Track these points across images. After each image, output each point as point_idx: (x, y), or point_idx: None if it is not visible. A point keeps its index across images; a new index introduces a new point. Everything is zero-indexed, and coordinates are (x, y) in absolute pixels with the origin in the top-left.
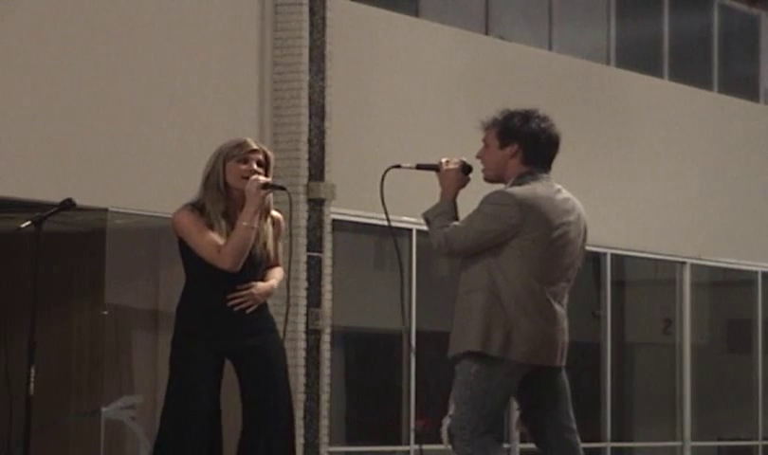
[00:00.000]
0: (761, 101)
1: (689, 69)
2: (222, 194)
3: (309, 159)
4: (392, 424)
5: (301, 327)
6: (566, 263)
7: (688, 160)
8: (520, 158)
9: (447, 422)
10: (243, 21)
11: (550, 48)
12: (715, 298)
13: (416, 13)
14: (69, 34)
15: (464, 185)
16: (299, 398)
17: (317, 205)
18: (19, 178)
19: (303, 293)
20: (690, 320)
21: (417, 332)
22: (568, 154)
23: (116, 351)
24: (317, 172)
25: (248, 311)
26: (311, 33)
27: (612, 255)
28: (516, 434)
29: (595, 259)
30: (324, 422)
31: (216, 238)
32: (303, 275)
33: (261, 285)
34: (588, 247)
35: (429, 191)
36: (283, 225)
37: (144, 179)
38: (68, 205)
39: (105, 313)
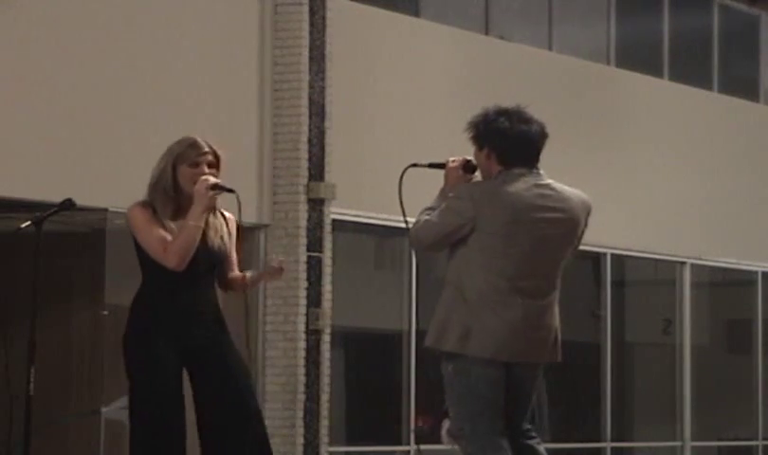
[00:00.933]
0: (761, 101)
1: (689, 69)
2: (170, 198)
3: (309, 159)
4: (392, 424)
5: (301, 327)
6: (543, 258)
7: (688, 160)
8: (494, 159)
9: (446, 424)
10: (243, 21)
11: (550, 48)
12: (715, 298)
13: (416, 13)
14: (69, 34)
15: (465, 183)
16: (299, 398)
17: (317, 205)
18: (19, 178)
19: (303, 293)
20: (690, 320)
21: (417, 332)
22: (568, 153)
23: (116, 351)
24: (317, 172)
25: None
26: (311, 33)
27: (612, 255)
28: None
29: (595, 259)
30: (324, 422)
31: (164, 235)
32: (303, 275)
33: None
34: (588, 247)
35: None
36: (233, 223)
37: (144, 179)
38: (68, 205)
39: (105, 313)
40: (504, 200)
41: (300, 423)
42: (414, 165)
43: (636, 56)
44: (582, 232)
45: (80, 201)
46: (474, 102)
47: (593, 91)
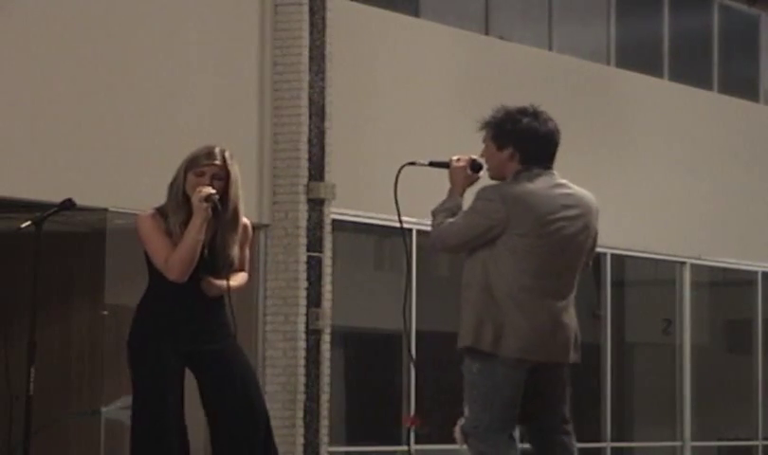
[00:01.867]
0: (761, 101)
1: (689, 69)
2: (180, 205)
3: (309, 159)
4: (392, 424)
5: (302, 327)
6: (566, 259)
7: (688, 160)
8: (517, 159)
9: (460, 422)
10: (243, 21)
11: (550, 48)
12: (715, 298)
13: (416, 13)
14: (69, 34)
15: (472, 182)
16: (299, 398)
17: (317, 205)
18: (19, 178)
19: (303, 293)
20: (690, 320)
21: (417, 332)
22: (568, 153)
23: (116, 351)
24: (317, 172)
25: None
26: (311, 33)
27: (613, 255)
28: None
29: (595, 259)
30: (324, 422)
31: (167, 247)
32: (303, 275)
33: (213, 281)
34: None
35: (429, 190)
36: (250, 231)
37: (144, 179)
38: (68, 205)
39: (105, 313)
40: (533, 201)
41: (300, 423)
42: (413, 163)
43: (636, 56)
44: (596, 234)
45: (80, 201)
46: (474, 102)
47: (593, 91)
